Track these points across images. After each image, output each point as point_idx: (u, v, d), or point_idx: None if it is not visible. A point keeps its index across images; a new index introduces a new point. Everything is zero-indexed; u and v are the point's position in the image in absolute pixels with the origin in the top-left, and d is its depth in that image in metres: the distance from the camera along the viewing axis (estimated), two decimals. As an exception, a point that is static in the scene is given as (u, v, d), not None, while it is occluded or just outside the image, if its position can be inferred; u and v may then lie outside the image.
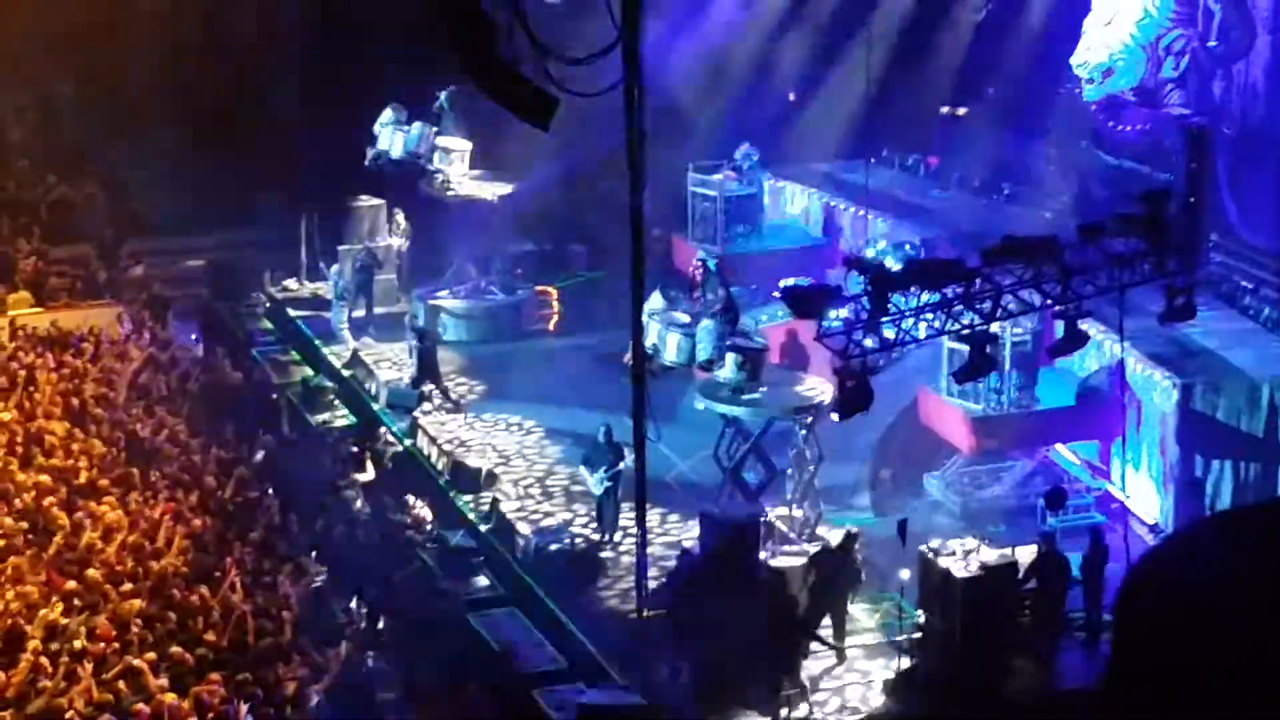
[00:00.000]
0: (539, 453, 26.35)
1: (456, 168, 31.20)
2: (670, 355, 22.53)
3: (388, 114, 31.02)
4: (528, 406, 27.84)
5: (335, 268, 31.80)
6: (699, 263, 24.09)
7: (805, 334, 23.07)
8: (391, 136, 30.96)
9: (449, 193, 31.23)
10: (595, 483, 23.17)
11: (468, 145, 31.16)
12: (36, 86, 35.53)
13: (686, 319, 23.08)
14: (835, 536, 20.88)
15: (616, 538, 23.00)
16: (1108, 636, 18.90)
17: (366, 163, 31.12)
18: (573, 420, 26.65)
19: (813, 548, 20.90)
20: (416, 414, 27.17)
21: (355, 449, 25.28)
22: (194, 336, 30.34)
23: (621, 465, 22.67)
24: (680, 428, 23.76)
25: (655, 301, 22.81)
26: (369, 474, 24.59)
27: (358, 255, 31.87)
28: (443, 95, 30.96)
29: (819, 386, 22.80)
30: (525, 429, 27.21)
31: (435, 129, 30.98)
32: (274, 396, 27.59)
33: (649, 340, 21.73)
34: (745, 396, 22.47)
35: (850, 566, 20.31)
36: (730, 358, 22.22)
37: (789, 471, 23.00)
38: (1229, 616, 1.92)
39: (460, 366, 29.82)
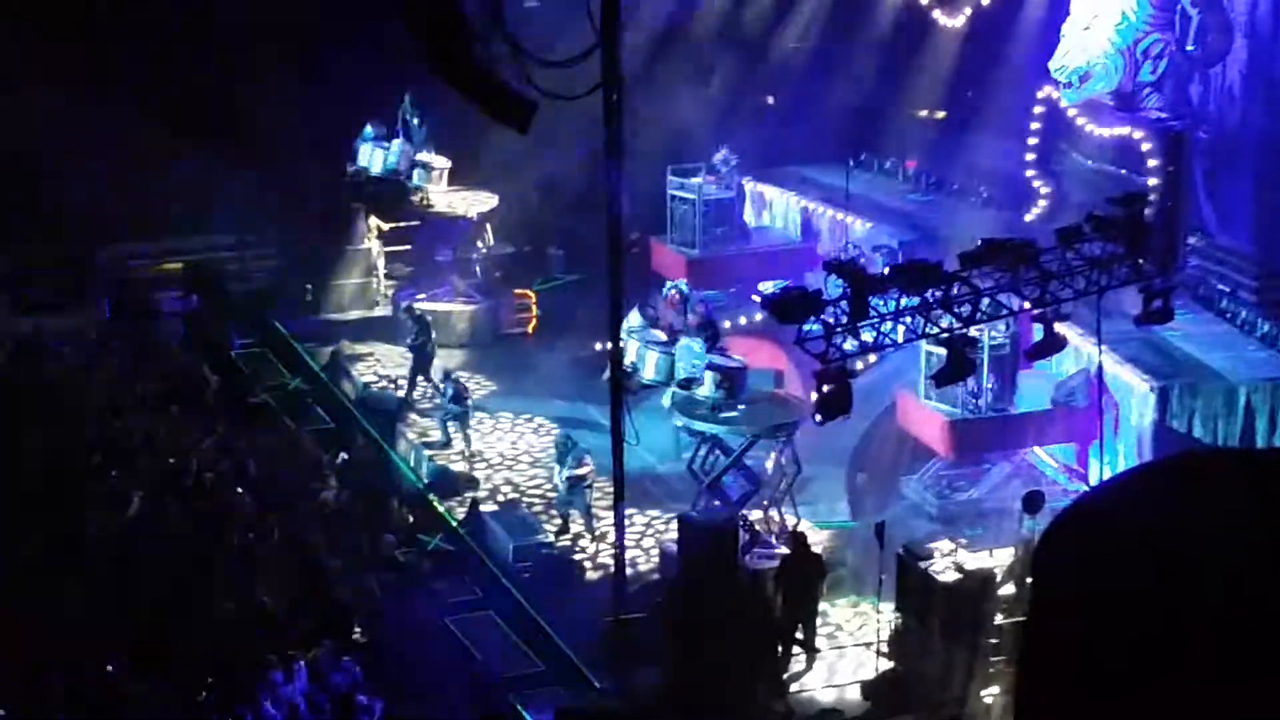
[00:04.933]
0: (520, 455, 26.34)
1: (436, 184, 31.02)
2: (649, 373, 22.59)
3: (367, 130, 30.94)
4: (507, 409, 27.80)
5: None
6: (674, 291, 24.00)
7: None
8: (371, 153, 30.86)
9: (428, 208, 31.09)
10: (559, 478, 23.63)
11: (447, 162, 30.99)
12: (10, 88, 35.35)
13: (665, 337, 23.08)
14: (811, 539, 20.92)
15: (594, 540, 23.07)
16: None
17: (346, 178, 31.04)
18: (552, 421, 26.69)
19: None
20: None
21: None
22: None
23: (586, 470, 23.17)
24: (658, 430, 23.75)
25: (634, 319, 22.84)
26: None
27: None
28: (407, 99, 30.66)
29: (797, 402, 22.74)
30: (504, 431, 27.18)
31: (412, 146, 30.79)
32: (252, 399, 27.50)
33: (628, 358, 21.77)
34: (724, 415, 22.33)
35: (813, 564, 20.35)
36: (709, 376, 22.14)
37: (766, 478, 22.99)
38: (1173, 559, 1.75)
39: (441, 370, 29.76)
